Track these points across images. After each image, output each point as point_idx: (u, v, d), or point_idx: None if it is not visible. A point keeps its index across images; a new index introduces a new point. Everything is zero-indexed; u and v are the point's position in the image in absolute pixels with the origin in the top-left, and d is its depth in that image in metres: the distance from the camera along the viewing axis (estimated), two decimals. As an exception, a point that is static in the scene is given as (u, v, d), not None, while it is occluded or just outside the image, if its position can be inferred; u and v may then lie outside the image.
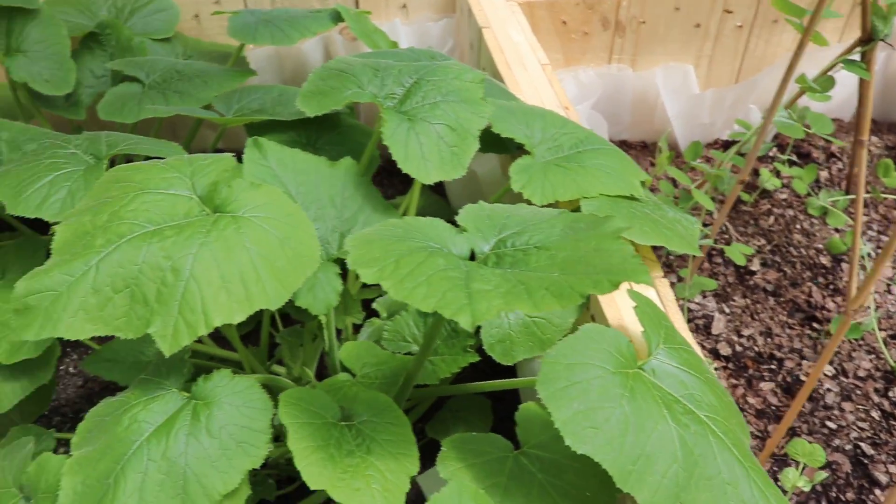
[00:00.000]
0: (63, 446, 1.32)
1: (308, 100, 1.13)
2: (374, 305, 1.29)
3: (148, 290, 0.89)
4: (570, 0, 1.71)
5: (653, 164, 1.88)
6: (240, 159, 1.08)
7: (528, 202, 1.12)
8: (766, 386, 1.42)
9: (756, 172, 1.80)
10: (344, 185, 1.12)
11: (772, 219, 1.73)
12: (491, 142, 1.23)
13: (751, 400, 1.41)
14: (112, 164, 1.18)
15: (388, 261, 0.81)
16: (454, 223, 1.66)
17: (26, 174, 1.12)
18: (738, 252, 1.45)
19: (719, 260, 1.65)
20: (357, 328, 1.35)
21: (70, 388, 1.49)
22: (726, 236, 1.69)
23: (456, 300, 0.76)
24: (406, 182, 1.78)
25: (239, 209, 0.95)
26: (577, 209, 1.17)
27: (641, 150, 1.94)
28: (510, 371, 1.39)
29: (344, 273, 1.06)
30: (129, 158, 1.47)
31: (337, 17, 1.50)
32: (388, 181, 1.82)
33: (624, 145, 1.93)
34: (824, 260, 1.64)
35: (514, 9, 1.68)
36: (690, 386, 0.93)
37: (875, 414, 1.38)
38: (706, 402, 0.92)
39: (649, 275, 0.81)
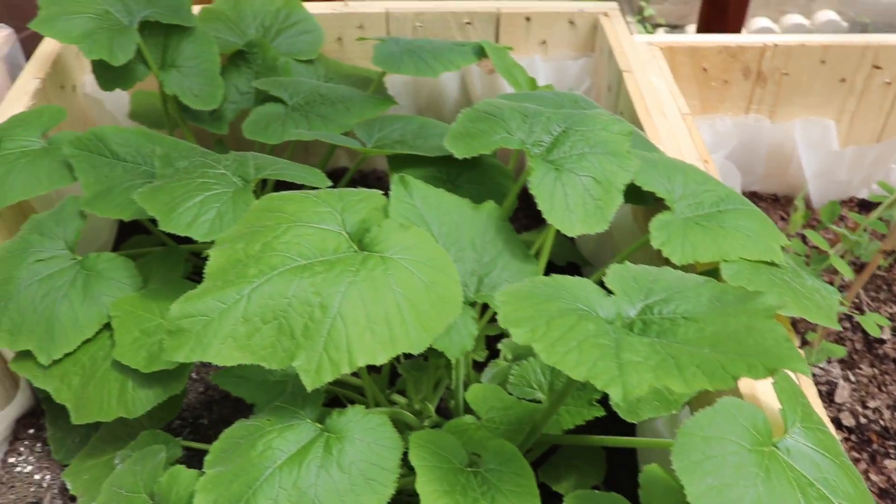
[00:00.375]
0: (185, 450, 1.36)
1: (456, 141, 1.14)
2: (500, 346, 1.29)
3: (295, 324, 0.91)
4: (713, 47, 1.69)
5: (783, 219, 1.84)
6: (374, 184, 1.10)
7: (667, 260, 1.11)
8: (891, 464, 1.38)
9: (892, 236, 1.74)
10: (485, 228, 1.12)
11: (906, 286, 1.68)
12: (628, 192, 1.23)
13: (874, 477, 1.36)
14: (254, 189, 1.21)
15: (539, 322, 0.81)
16: (577, 267, 1.65)
17: (178, 192, 1.16)
18: (872, 323, 1.41)
19: (847, 324, 1.61)
20: (478, 365, 1.35)
21: (191, 394, 1.53)
22: (856, 300, 1.64)
23: (607, 371, 0.76)
24: (531, 216, 1.79)
25: (387, 250, 0.97)
26: (709, 270, 1.16)
27: (772, 202, 1.90)
28: (627, 422, 1.37)
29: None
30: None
31: (480, 52, 1.52)
32: (514, 215, 1.82)
33: (754, 196, 1.90)
34: (960, 334, 1.58)
35: (655, 53, 1.67)
36: (825, 470, 0.91)
37: None
38: (841, 488, 0.90)
39: (805, 362, 0.80)
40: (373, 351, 0.90)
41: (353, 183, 1.79)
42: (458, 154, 1.12)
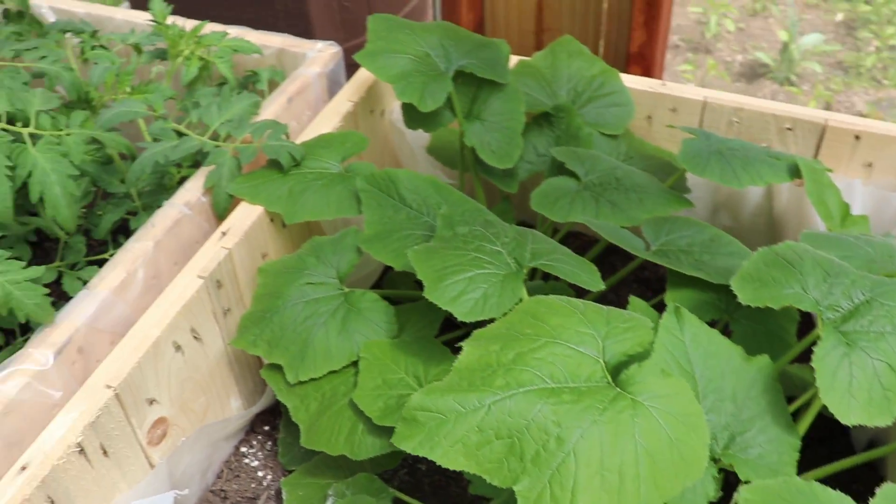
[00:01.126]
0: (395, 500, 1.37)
1: (744, 284, 1.06)
2: (737, 498, 1.19)
3: (527, 448, 0.89)
4: None
5: None
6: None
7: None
8: None
9: None
10: (752, 383, 1.04)
11: None
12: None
13: None
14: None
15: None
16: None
17: (451, 261, 1.15)
18: None
19: None
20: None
21: (417, 437, 1.54)
22: None
23: None
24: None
25: (640, 393, 0.92)
26: None
27: None
28: None
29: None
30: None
31: (794, 172, 1.41)
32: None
33: None
34: None
35: None
36: None
37: None
38: None
39: None
40: (597, 500, 0.86)
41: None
42: (744, 300, 1.04)
